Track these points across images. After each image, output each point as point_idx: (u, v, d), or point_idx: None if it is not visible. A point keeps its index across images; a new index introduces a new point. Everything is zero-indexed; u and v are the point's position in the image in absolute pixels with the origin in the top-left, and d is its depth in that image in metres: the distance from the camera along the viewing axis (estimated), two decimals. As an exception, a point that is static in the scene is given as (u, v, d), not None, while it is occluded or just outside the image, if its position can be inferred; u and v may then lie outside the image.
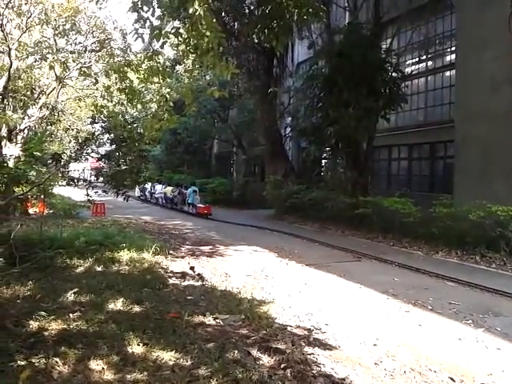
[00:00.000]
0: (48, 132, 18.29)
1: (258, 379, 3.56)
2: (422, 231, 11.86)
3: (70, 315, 4.77)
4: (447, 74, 16.18)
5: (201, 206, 20.20)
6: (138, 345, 4.10)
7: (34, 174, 9.35)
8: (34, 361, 3.63)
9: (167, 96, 9.26)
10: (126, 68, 10.86)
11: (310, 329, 5.11)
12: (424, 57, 17.49)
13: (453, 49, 15.43)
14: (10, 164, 9.26)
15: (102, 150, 10.55)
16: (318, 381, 3.69)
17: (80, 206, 14.49)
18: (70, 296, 5.45)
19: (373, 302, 6.63)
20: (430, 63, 17.28)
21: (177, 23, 6.73)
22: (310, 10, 7.15)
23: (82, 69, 13.60)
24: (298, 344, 4.50)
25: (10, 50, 11.91)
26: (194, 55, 7.07)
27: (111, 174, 9.81)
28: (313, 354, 4.32)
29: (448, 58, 16.19)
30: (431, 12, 16.31)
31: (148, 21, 6.06)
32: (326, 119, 15.15)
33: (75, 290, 5.62)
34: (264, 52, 19.88)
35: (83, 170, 10.91)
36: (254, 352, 4.14)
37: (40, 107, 13.89)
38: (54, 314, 4.76)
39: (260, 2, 11.70)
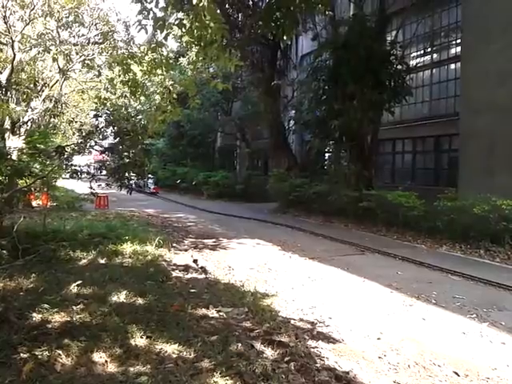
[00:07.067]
0: (51, 124, 18.28)
1: (262, 372, 3.55)
2: (425, 225, 11.80)
3: (73, 308, 4.77)
4: (452, 66, 16.06)
5: (152, 187, 28.97)
6: (141, 337, 4.10)
7: (38, 166, 9.35)
8: (36, 353, 3.63)
9: (170, 88, 9.21)
10: (129, 60, 10.80)
11: (313, 322, 5.10)
12: (429, 49, 17.35)
13: (458, 41, 15.29)
14: (14, 156, 9.24)
15: (106, 143, 10.52)
16: (322, 374, 3.68)
17: (83, 198, 14.51)
18: (74, 288, 5.46)
19: (376, 295, 6.61)
20: (435, 56, 17.15)
21: (180, 14, 6.66)
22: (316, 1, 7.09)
23: (85, 61, 13.56)
24: (302, 337, 4.49)
25: (13, 42, 11.86)
26: (197, 47, 7.02)
27: (114, 167, 9.80)
28: (316, 347, 4.31)
29: (453, 51, 16.06)
30: (437, 4, 16.17)
31: (151, 12, 6.00)
32: (330, 112, 15.06)
33: (78, 282, 5.62)
34: (268, 44, 19.75)
35: (89, 165, 10.87)
36: (258, 345, 4.13)
37: (43, 100, 13.86)
38: (57, 306, 4.76)
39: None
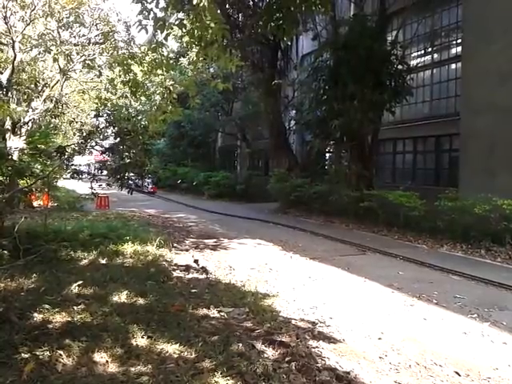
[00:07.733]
0: (52, 125, 18.28)
1: (263, 372, 3.55)
2: (426, 225, 11.79)
3: (74, 308, 4.77)
4: (453, 66, 16.04)
5: (150, 187, 29.77)
6: (142, 337, 4.10)
7: (39, 166, 9.36)
8: (37, 353, 3.63)
9: (171, 88, 9.21)
10: (129, 60, 10.81)
11: (314, 322, 5.09)
12: (430, 49, 17.34)
13: (459, 41, 15.28)
14: (15, 157, 9.24)
15: (106, 143, 10.54)
16: (323, 374, 3.67)
17: (84, 198, 14.53)
18: (74, 289, 5.46)
19: (377, 295, 6.61)
20: (435, 55, 17.13)
21: (181, 15, 6.67)
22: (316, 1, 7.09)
23: (86, 61, 13.53)
24: (303, 337, 4.49)
25: (13, 42, 11.84)
26: (197, 47, 7.03)
27: (115, 168, 9.81)
28: (317, 347, 4.30)
29: (454, 51, 16.04)
30: (437, 4, 16.16)
31: (152, 12, 6.01)
32: (330, 112, 15.05)
33: (79, 282, 5.62)
34: (268, 44, 19.74)
35: (89, 165, 10.91)
36: (259, 345, 4.13)
37: (44, 100, 13.84)
38: (58, 306, 4.77)
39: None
